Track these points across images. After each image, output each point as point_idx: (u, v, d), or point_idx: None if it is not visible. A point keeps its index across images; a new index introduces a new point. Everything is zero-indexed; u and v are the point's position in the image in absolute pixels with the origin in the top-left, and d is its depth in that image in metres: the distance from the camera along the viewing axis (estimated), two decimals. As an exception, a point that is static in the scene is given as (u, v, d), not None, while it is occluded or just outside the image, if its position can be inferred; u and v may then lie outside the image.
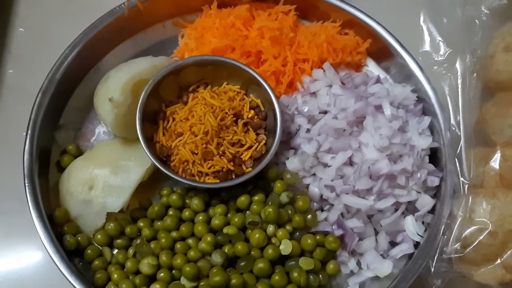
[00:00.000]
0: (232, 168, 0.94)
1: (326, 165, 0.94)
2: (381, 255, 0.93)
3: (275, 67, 1.01)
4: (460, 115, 0.94)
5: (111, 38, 1.03)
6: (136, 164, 0.94)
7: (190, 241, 0.90)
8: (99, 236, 0.91)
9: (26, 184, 0.90)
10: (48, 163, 0.97)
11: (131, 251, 0.90)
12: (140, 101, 0.92)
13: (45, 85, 0.96)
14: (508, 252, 0.86)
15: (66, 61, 0.97)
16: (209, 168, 0.93)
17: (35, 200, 0.89)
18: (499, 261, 0.87)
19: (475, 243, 0.87)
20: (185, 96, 0.98)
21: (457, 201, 0.90)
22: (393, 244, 0.93)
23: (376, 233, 0.94)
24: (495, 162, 0.91)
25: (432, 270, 0.88)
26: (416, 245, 0.92)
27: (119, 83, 0.91)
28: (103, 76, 0.96)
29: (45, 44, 1.08)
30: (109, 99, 0.90)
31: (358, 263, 0.93)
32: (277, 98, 0.96)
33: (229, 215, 0.92)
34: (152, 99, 0.94)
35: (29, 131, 0.93)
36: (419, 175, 0.92)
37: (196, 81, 0.99)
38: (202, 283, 0.85)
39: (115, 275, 0.87)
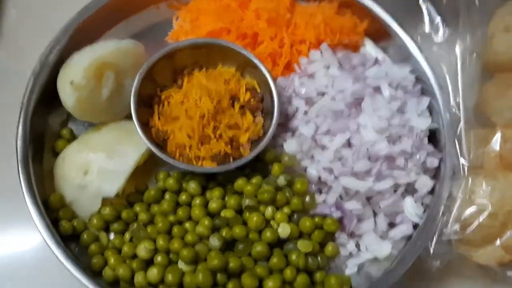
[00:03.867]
0: (229, 151, 0.93)
1: (324, 147, 0.93)
2: (380, 236, 0.92)
3: (271, 49, 1.00)
4: (460, 96, 0.94)
5: (104, 21, 1.02)
6: (132, 148, 0.93)
7: (187, 225, 0.89)
8: (95, 221, 0.90)
9: (20, 170, 0.89)
10: (42, 148, 0.96)
11: (127, 235, 0.89)
12: (134, 85, 0.91)
13: (38, 68, 0.94)
14: (508, 233, 0.86)
15: (58, 44, 0.96)
16: (206, 152, 0.92)
17: (29, 185, 0.88)
18: (498, 242, 0.86)
19: (475, 224, 0.86)
20: (180, 80, 0.97)
21: (457, 183, 0.90)
22: (392, 225, 0.93)
23: (375, 214, 0.93)
24: (495, 143, 0.90)
25: (431, 251, 0.88)
26: (415, 226, 0.91)
27: (81, 66, 0.89)
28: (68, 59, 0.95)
29: (37, 25, 1.06)
30: (70, 82, 0.89)
31: (357, 245, 0.93)
32: (274, 80, 0.95)
33: (226, 198, 0.91)
34: (146, 83, 0.93)
35: (21, 116, 0.92)
36: (418, 156, 0.91)
37: (190, 64, 0.98)
38: (199, 267, 0.84)
39: (112, 260, 0.87)
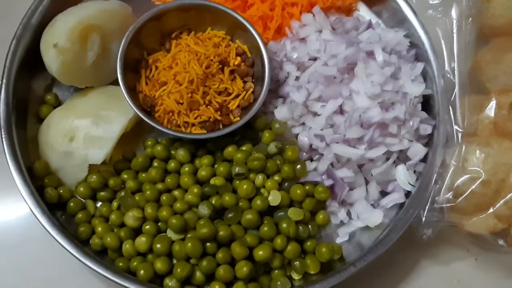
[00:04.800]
0: (219, 117, 0.91)
1: (315, 114, 0.92)
2: (371, 205, 0.92)
3: (262, 12, 0.97)
4: (455, 61, 0.92)
5: (89, -19, 0.98)
6: (118, 114, 0.90)
7: (176, 193, 0.88)
8: (81, 189, 0.88)
9: (3, 136, 0.87)
10: (26, 113, 0.94)
11: (115, 203, 0.88)
12: (120, 48, 0.88)
13: (20, 31, 0.91)
14: (501, 201, 0.86)
15: (41, 5, 0.93)
16: (195, 118, 0.91)
17: (13, 152, 0.86)
18: (491, 210, 0.86)
19: (468, 192, 0.86)
20: (168, 43, 0.94)
21: (450, 150, 0.89)
22: (384, 193, 0.92)
23: (367, 182, 0.92)
24: (490, 110, 0.89)
25: (423, 219, 0.87)
26: (407, 194, 0.91)
27: (65, 28, 0.87)
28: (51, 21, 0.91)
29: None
30: (53, 45, 0.86)
31: (348, 213, 0.92)
32: (265, 44, 0.92)
33: (216, 166, 0.90)
34: (133, 47, 0.90)
35: (4, 80, 0.89)
36: (411, 123, 0.90)
37: (179, 27, 0.96)
38: (189, 235, 0.83)
39: (99, 228, 0.86)
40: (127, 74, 0.89)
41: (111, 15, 0.91)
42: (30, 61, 0.93)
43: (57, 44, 0.86)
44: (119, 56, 0.88)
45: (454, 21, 0.94)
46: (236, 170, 0.87)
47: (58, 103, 0.95)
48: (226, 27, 0.95)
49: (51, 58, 0.88)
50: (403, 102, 0.90)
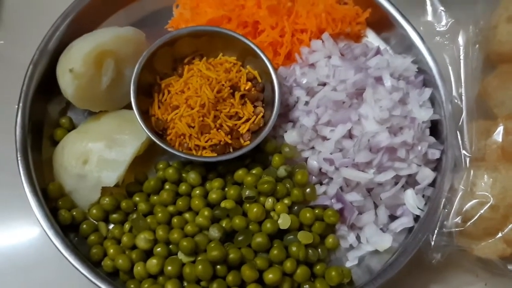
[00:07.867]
0: (229, 141, 0.92)
1: (325, 138, 0.93)
2: (380, 229, 0.92)
3: (272, 38, 0.99)
4: (462, 87, 0.93)
5: (104, 8, 1.01)
6: (131, 137, 0.92)
7: (187, 215, 0.89)
8: (94, 211, 0.90)
9: (19, 158, 0.88)
10: (41, 136, 0.95)
11: (127, 226, 0.89)
12: (134, 73, 0.90)
13: (36, 56, 0.93)
14: (510, 226, 0.86)
15: (58, 32, 0.95)
16: (206, 142, 0.92)
17: (28, 174, 0.88)
18: (500, 235, 0.86)
19: (476, 217, 0.86)
20: (180, 68, 0.96)
21: (458, 175, 0.89)
22: (393, 218, 0.93)
23: (376, 206, 0.93)
24: (498, 135, 0.90)
25: (432, 244, 0.87)
26: (416, 218, 0.91)
27: (81, 54, 0.89)
28: (67, 46, 0.94)
29: (36, 13, 1.05)
30: (69, 70, 0.88)
31: (358, 237, 0.92)
32: (275, 69, 0.94)
33: (226, 189, 0.90)
34: (146, 72, 0.92)
35: (20, 104, 0.91)
36: (419, 147, 0.91)
37: (191, 53, 0.97)
38: (199, 258, 0.84)
39: (111, 250, 0.86)
40: (140, 98, 0.91)
41: (125, 41, 0.93)
42: (46, 86, 0.94)
43: (72, 69, 0.88)
44: (132, 80, 0.90)
45: (461, 48, 0.95)
46: (246, 193, 0.88)
47: (72, 127, 0.97)
48: (237, 53, 0.97)
49: (67, 82, 0.90)
50: (411, 127, 0.90)
